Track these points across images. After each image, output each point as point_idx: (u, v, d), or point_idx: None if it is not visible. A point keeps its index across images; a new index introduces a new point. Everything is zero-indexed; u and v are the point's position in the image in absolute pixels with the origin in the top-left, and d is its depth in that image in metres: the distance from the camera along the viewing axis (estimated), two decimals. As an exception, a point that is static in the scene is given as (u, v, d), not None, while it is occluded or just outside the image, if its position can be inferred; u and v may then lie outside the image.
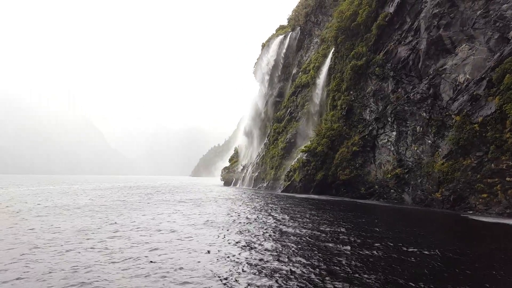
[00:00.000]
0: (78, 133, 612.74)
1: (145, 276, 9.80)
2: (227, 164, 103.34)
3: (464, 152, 28.28)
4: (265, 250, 13.26)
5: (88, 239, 14.76)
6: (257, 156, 75.90)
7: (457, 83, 30.54)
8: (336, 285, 9.26)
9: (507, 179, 24.56)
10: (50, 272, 9.99)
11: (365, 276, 9.98)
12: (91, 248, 13.11)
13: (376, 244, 14.32)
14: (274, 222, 20.28)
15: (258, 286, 9.10)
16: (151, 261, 11.33)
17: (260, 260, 11.75)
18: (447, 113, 31.03)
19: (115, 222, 19.48)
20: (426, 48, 34.34)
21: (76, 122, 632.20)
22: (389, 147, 37.35)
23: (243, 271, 10.47)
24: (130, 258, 11.70)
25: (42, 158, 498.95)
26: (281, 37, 78.89)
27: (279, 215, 23.69)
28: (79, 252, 12.44)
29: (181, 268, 10.60)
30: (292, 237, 15.67)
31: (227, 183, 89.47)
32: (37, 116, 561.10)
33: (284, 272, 10.40)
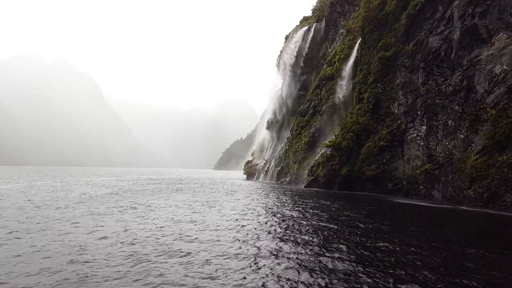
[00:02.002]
0: (106, 125, 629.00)
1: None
2: (250, 158, 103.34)
3: (500, 147, 26.75)
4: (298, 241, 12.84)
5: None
6: (279, 150, 75.30)
7: (493, 75, 28.86)
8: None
9: (548, 176, 23.06)
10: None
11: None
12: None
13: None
14: (300, 215, 19.80)
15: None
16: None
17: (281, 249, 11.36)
18: (481, 106, 29.42)
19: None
20: (460, 37, 32.66)
21: (103, 114, 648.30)
22: (419, 141, 35.91)
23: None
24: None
25: (73, 151, 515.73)
26: (305, 28, 77.35)
27: (304, 208, 23.18)
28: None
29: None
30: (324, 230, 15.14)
31: (250, 176, 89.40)
32: (68, 110, 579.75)
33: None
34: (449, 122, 32.46)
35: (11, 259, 10.53)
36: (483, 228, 19.85)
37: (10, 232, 14.25)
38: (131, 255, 11.25)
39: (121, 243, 12.84)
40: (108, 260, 10.63)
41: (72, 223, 16.58)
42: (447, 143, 32.42)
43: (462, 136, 30.83)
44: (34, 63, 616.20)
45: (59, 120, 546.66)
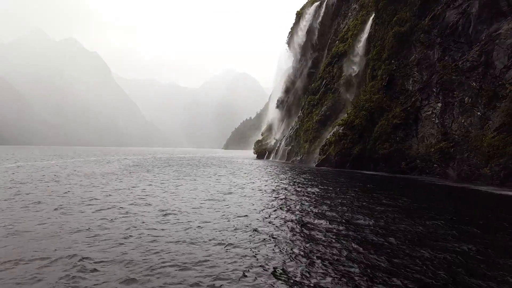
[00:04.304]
0: (116, 105, 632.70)
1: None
2: (260, 137, 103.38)
3: (519, 124, 26.21)
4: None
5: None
6: (290, 129, 75.05)
7: (513, 49, 27.95)
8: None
9: None
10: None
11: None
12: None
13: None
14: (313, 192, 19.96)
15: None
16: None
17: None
18: (500, 82, 28.65)
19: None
20: (479, 11, 31.49)
21: (113, 94, 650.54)
22: (434, 119, 35.32)
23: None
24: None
25: (84, 131, 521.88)
26: (316, 4, 75.42)
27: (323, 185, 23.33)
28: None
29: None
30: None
31: (260, 156, 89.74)
32: (78, 90, 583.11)
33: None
34: (466, 99, 31.75)
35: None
36: None
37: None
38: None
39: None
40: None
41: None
42: (463, 121, 31.84)
43: (479, 113, 30.21)
44: (42, 43, 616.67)
45: (70, 100, 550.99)
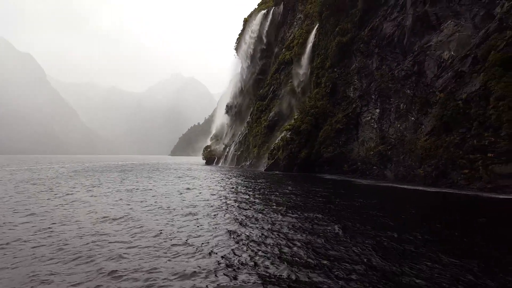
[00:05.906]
0: (50, 110, 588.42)
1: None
2: (208, 143, 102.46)
3: (447, 128, 28.57)
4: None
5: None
6: (239, 134, 75.34)
7: (442, 60, 30.57)
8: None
9: (489, 155, 25.02)
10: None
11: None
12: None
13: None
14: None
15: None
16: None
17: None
18: (431, 90, 31.15)
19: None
20: (412, 24, 34.12)
21: (47, 98, 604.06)
22: (372, 124, 37.50)
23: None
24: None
25: (13, 137, 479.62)
26: (263, 12, 76.92)
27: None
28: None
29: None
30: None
31: (209, 162, 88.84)
32: (8, 93, 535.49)
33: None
34: (401, 105, 34.11)
35: None
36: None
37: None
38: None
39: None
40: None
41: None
42: (399, 125, 34.13)
43: (413, 118, 32.57)
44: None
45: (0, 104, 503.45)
